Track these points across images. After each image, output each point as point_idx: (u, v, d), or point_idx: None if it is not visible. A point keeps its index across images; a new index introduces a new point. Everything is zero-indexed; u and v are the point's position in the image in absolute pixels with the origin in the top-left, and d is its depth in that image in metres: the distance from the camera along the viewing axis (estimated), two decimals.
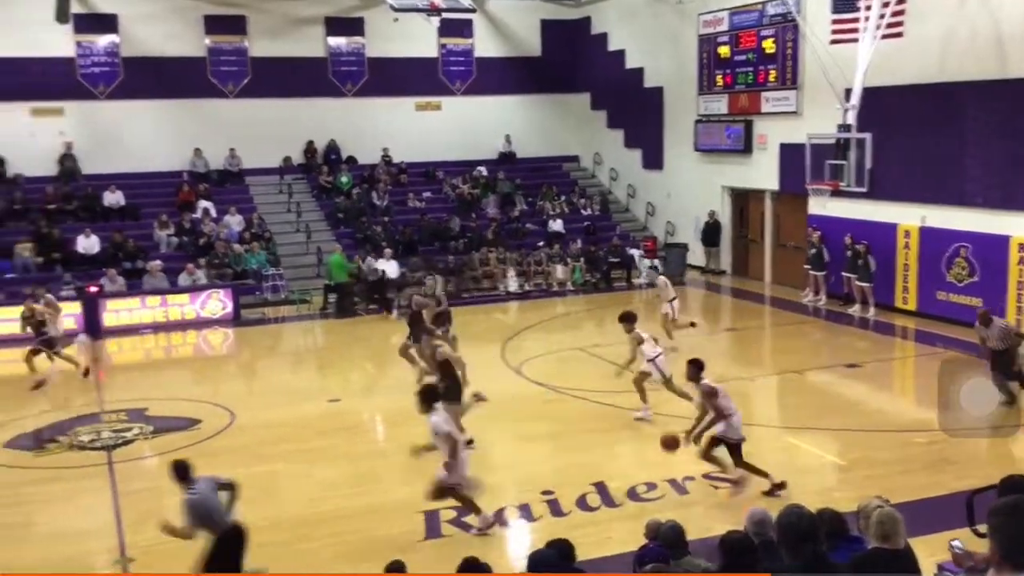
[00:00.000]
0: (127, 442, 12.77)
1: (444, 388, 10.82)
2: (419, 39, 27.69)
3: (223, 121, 26.48)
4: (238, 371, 18.52)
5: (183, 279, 21.74)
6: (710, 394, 10.23)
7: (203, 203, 24.89)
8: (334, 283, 21.80)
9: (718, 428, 10.25)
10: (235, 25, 26.91)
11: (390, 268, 22.69)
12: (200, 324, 20.86)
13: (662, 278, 18.08)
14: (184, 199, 25.10)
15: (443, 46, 28.97)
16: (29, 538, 9.87)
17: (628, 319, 13.33)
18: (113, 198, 24.58)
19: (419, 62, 28.62)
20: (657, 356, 13.03)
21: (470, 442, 11.09)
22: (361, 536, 9.48)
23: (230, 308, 21.27)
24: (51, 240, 22.56)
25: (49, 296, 17.30)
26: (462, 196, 27.22)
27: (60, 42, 25.00)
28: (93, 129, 25.45)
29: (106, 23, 25.63)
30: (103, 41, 25.71)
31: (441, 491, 9.40)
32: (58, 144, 25.13)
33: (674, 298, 17.20)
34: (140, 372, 18.36)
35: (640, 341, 13.06)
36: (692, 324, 17.68)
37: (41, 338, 16.22)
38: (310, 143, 27.74)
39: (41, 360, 16.33)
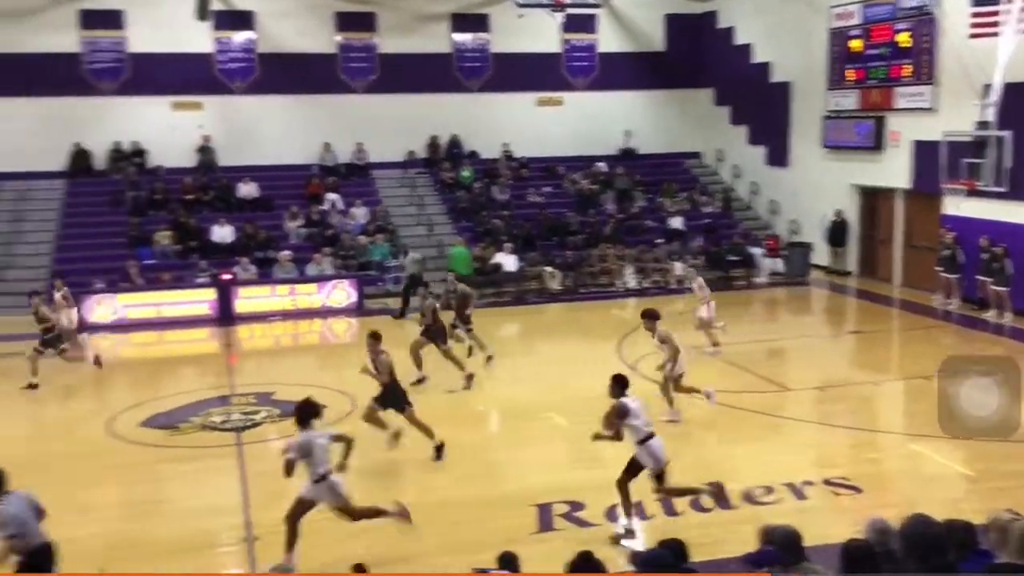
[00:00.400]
0: (255, 424, 13.31)
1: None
2: (543, 35, 27.82)
3: (351, 116, 27.21)
4: (362, 360, 18.98)
5: (311, 269, 22.46)
6: (620, 413, 9.22)
7: (331, 195, 25.63)
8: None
9: (637, 452, 9.33)
10: (365, 22, 27.59)
11: (508, 262, 22.90)
12: (326, 313, 21.50)
13: (699, 279, 17.58)
14: (313, 191, 25.91)
15: (566, 42, 29.02)
16: (162, 513, 10.39)
17: (650, 316, 12.87)
18: (247, 189, 25.57)
19: (542, 57, 28.75)
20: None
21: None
22: (471, 527, 9.64)
23: (354, 298, 21.86)
24: (188, 229, 23.63)
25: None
26: (581, 192, 27.23)
27: (200, 39, 26.15)
28: (229, 123, 26.53)
29: (243, 20, 26.67)
30: (240, 38, 26.77)
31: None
32: (196, 137, 26.30)
33: (710, 300, 16.73)
34: (268, 358, 19.07)
35: (666, 339, 12.76)
36: (721, 327, 17.14)
37: (45, 336, 15.78)
38: (433, 138, 28.23)
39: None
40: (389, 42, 27.68)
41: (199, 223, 23.91)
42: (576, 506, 10.00)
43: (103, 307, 20.35)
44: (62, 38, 25.35)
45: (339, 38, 27.48)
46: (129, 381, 16.74)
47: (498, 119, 28.34)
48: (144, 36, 25.79)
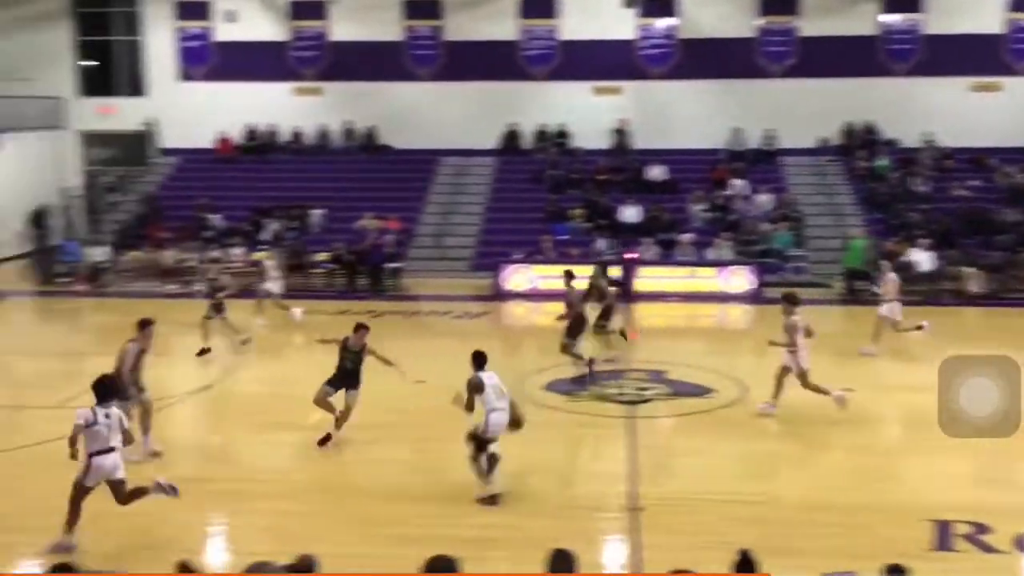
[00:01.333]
0: (646, 400, 13.88)
1: None
2: (983, 13, 25.52)
3: (764, 101, 26.94)
4: (755, 347, 18.92)
5: (710, 253, 22.71)
6: (474, 387, 10.11)
7: (736, 181, 25.62)
8: (850, 269, 21.28)
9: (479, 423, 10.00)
10: (787, 5, 27.10)
11: (923, 259, 21.45)
12: (723, 298, 21.64)
13: (892, 274, 15.96)
14: (718, 176, 26.06)
15: (1013, 21, 26.32)
16: (552, 473, 11.20)
17: (790, 300, 12.67)
18: (656, 172, 26.36)
19: (980, 39, 26.34)
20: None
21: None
22: (862, 533, 9.36)
23: (753, 285, 21.76)
24: (599, 208, 24.90)
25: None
26: (1016, 186, 24.67)
27: (624, 26, 27.29)
28: (645, 107, 27.46)
29: (667, 7, 27.39)
30: (662, 24, 27.52)
31: None
32: (613, 120, 27.54)
33: (895, 299, 15.56)
34: (663, 337, 19.64)
35: (797, 329, 12.35)
36: (919, 327, 15.53)
37: (215, 302, 16.57)
38: (848, 124, 27.07)
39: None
40: (811, 24, 26.94)
41: (609, 203, 25.08)
42: (981, 528, 9.32)
43: (519, 276, 22.15)
44: (503, 27, 27.75)
45: (760, 22, 27.25)
46: (539, 346, 18.13)
47: (923, 105, 26.47)
48: (574, 24, 27.46)
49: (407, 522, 9.42)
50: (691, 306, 21.51)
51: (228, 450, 12.51)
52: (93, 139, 29.59)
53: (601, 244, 23.27)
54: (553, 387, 14.57)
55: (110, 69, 29.53)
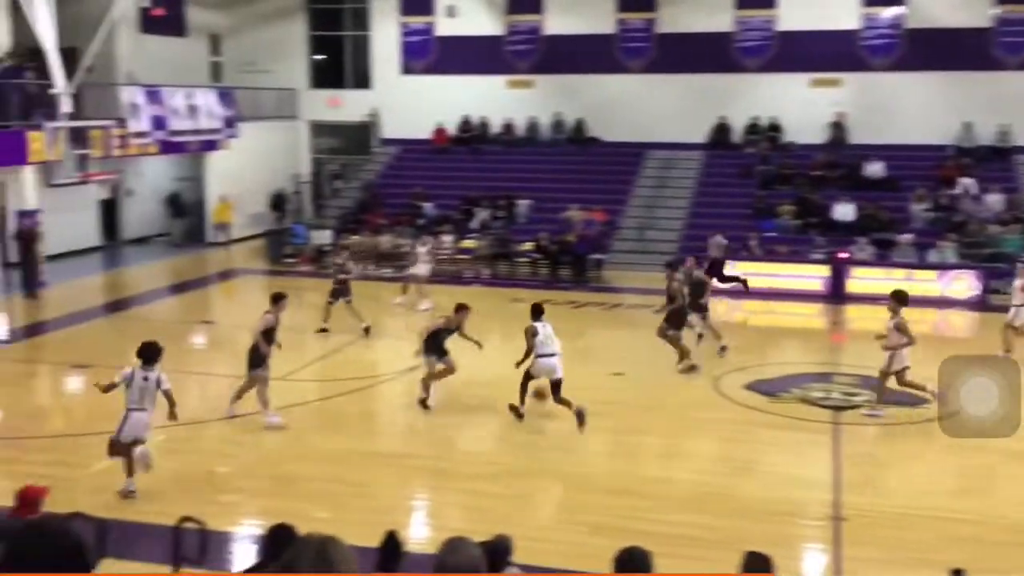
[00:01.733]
0: (854, 406, 13.36)
1: None
2: None
3: (998, 94, 25.17)
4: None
5: (932, 255, 21.49)
6: (530, 333, 12.13)
7: (964, 180, 24.07)
8: None
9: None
10: None
11: None
12: (943, 303, 20.44)
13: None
14: (945, 174, 24.57)
15: None
16: (751, 474, 11.07)
17: (898, 299, 12.69)
18: (873, 168, 25.17)
19: None
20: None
21: None
22: None
23: (978, 291, 20.45)
24: (810, 205, 24.08)
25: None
26: None
27: (847, 15, 26.22)
28: (865, 100, 26.27)
29: None
30: (889, 13, 26.23)
31: None
32: (830, 114, 26.53)
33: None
34: (876, 341, 18.78)
35: (902, 328, 12.27)
36: None
37: (338, 287, 17.14)
38: None
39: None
40: None
41: (822, 200, 24.20)
42: None
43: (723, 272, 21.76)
44: (718, 18, 27.29)
45: (996, 11, 25.46)
46: (739, 345, 17.82)
47: None
48: (793, 14, 26.64)
49: (602, 512, 9.55)
50: (908, 311, 20.39)
51: (430, 429, 13.09)
52: (321, 129, 31.52)
53: (818, 241, 22.52)
54: (754, 387, 14.30)
55: (339, 63, 31.30)
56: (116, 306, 19.99)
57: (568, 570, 8.10)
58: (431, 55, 29.84)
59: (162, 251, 26.48)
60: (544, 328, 12.25)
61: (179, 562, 6.88)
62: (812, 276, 21.42)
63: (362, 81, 30.80)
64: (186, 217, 28.16)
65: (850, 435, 12.23)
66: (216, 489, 10.32)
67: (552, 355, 12.06)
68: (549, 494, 10.21)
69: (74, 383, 14.72)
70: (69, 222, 23.54)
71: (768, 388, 14.18)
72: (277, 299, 12.69)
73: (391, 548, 5.80)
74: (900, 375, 12.63)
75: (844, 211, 23.68)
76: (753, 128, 27.24)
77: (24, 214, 21.21)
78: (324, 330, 17.03)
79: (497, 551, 6.23)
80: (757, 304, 20.72)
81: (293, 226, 26.38)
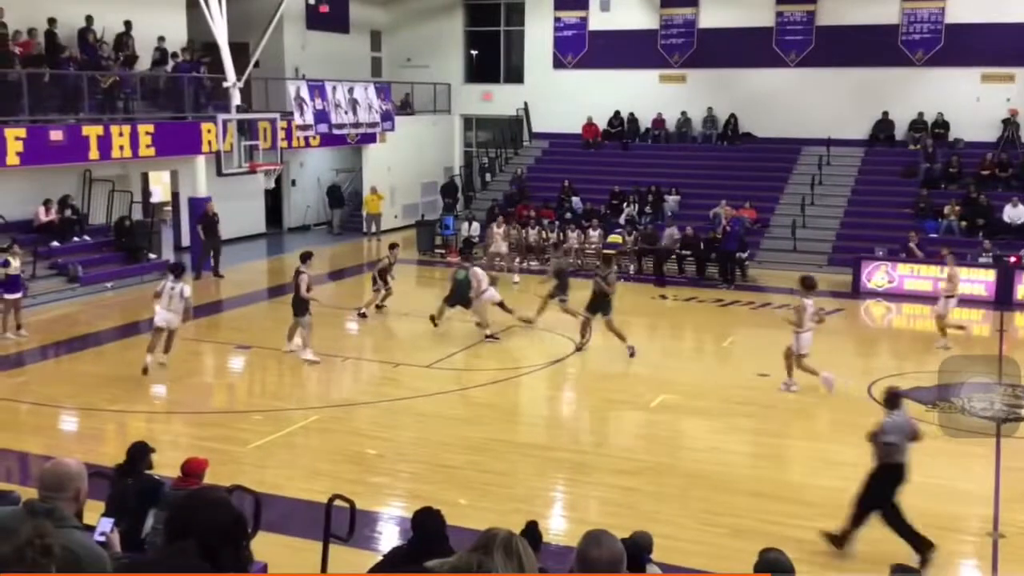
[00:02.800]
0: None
1: None
2: None
3: None
4: None
5: None
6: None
7: None
8: None
9: None
10: None
11: None
12: None
13: None
14: None
15: None
16: (909, 485, 10.63)
17: (807, 284, 13.53)
18: None
19: None
20: None
21: None
22: None
23: None
24: (977, 206, 22.87)
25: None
26: None
27: (1020, 7, 24.73)
28: None
29: None
30: None
31: None
32: (1002, 110, 25.11)
33: None
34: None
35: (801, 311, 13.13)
36: None
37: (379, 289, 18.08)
38: None
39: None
40: None
41: (990, 200, 22.96)
42: None
43: (880, 274, 20.99)
44: (883, 10, 26.22)
45: None
46: (895, 349, 17.18)
47: None
48: (963, 6, 25.37)
49: (743, 515, 9.42)
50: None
51: (572, 421, 13.18)
52: (473, 122, 32.08)
53: (984, 244, 21.38)
54: (911, 394, 13.72)
55: (494, 58, 31.75)
56: (278, 291, 20.93)
57: (706, 571, 8.03)
58: (583, 50, 29.87)
59: (321, 239, 27.55)
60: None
61: (328, 539, 7.18)
62: (978, 281, 20.36)
63: (515, 76, 31.15)
64: (344, 207, 29.20)
65: (1012, 448, 11.62)
66: (366, 470, 10.71)
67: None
68: (689, 493, 10.12)
69: (237, 363, 15.55)
70: (237, 210, 24.80)
71: (926, 396, 13.61)
72: (305, 258, 15.06)
73: (531, 539, 5.92)
74: (799, 359, 13.52)
75: (1015, 213, 22.39)
76: (917, 124, 26.08)
77: (204, 201, 22.50)
78: (527, 320, 17.08)
79: (638, 547, 6.25)
80: (918, 307, 19.89)
81: (443, 218, 26.93)
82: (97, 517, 5.06)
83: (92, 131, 19.47)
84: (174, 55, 22.79)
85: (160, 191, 25.57)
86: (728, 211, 23.67)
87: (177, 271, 14.28)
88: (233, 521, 3.16)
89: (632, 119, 29.17)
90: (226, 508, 3.21)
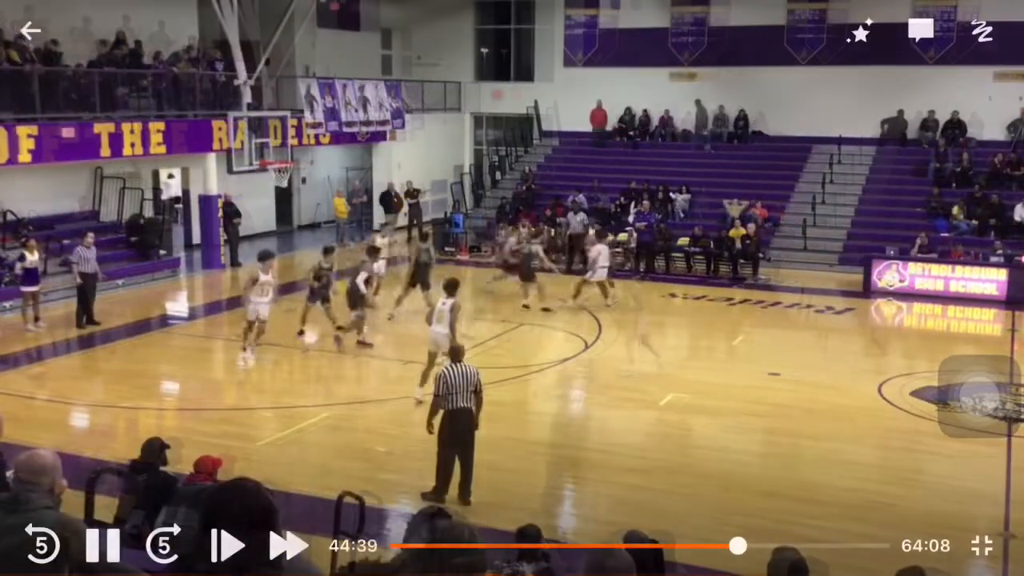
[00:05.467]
0: None
1: None
2: None
3: None
4: None
5: None
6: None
7: None
8: None
9: None
10: None
11: None
12: None
13: None
14: None
15: None
16: (917, 484, 10.64)
17: (450, 287, 12.80)
18: None
19: None
20: None
21: None
22: None
23: None
24: (990, 205, 22.75)
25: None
26: None
27: None
28: None
29: None
30: None
31: None
32: (1015, 110, 24.99)
33: None
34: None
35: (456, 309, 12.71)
36: None
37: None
38: None
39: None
40: None
41: (1001, 200, 22.85)
42: None
43: (891, 273, 20.92)
44: (896, 9, 26.04)
45: None
46: (906, 348, 17.12)
47: None
48: (977, 3, 25.18)
49: (757, 515, 9.39)
50: None
51: (584, 420, 13.18)
52: (483, 121, 32.05)
53: (996, 243, 21.30)
54: (921, 394, 13.70)
55: (504, 56, 31.73)
56: (289, 288, 20.95)
57: (718, 570, 8.01)
58: (594, 48, 29.82)
59: (332, 236, 27.54)
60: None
61: (338, 535, 7.19)
62: (988, 280, 20.29)
63: (525, 74, 31.12)
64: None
65: (1022, 448, 11.56)
66: (376, 467, 10.72)
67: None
68: (701, 492, 10.11)
69: (247, 359, 15.54)
70: (248, 207, 24.82)
71: (937, 396, 13.57)
72: (328, 251, 15.91)
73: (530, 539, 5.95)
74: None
75: None
76: (929, 123, 25.96)
77: (215, 198, 22.66)
78: (548, 309, 18.06)
79: (661, 553, 6.18)
80: (928, 307, 19.84)
81: (453, 216, 26.90)
82: (107, 514, 5.06)
83: (103, 128, 19.54)
84: (187, 49, 22.89)
85: (174, 185, 25.69)
86: (738, 210, 23.54)
87: (264, 258, 14.69)
88: (267, 511, 3.16)
89: (643, 117, 29.10)
90: (261, 497, 3.20)
